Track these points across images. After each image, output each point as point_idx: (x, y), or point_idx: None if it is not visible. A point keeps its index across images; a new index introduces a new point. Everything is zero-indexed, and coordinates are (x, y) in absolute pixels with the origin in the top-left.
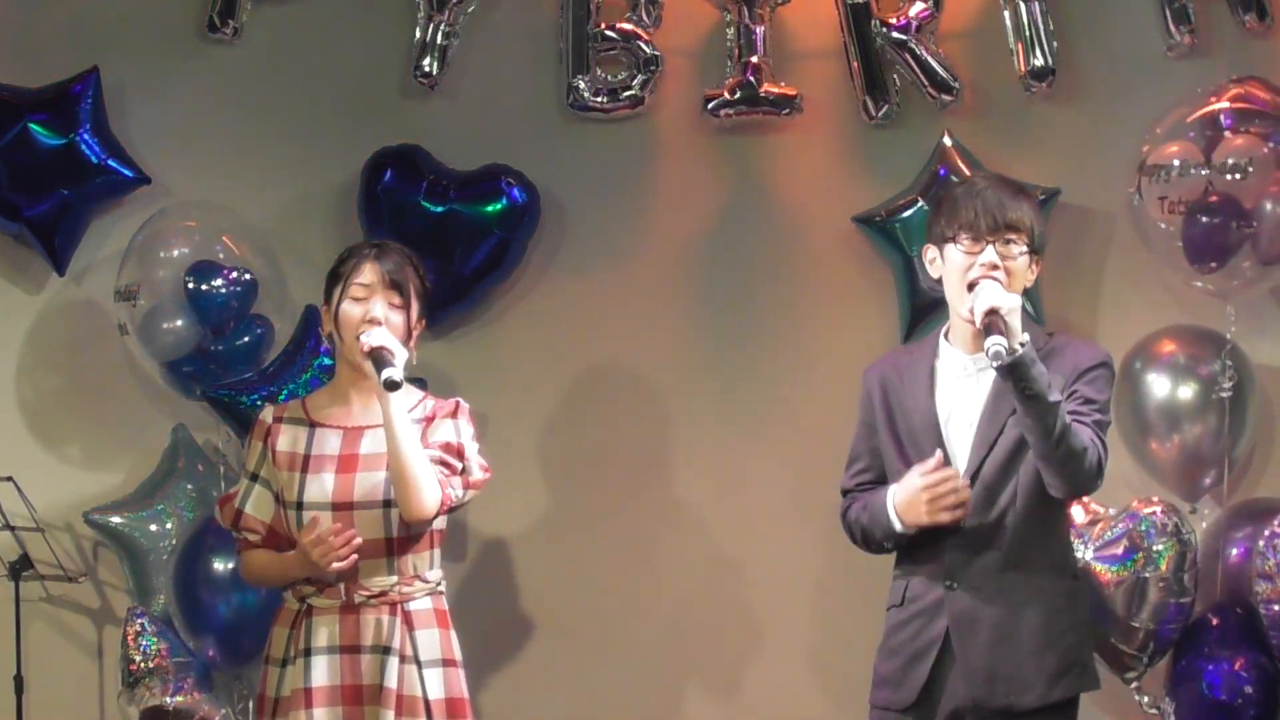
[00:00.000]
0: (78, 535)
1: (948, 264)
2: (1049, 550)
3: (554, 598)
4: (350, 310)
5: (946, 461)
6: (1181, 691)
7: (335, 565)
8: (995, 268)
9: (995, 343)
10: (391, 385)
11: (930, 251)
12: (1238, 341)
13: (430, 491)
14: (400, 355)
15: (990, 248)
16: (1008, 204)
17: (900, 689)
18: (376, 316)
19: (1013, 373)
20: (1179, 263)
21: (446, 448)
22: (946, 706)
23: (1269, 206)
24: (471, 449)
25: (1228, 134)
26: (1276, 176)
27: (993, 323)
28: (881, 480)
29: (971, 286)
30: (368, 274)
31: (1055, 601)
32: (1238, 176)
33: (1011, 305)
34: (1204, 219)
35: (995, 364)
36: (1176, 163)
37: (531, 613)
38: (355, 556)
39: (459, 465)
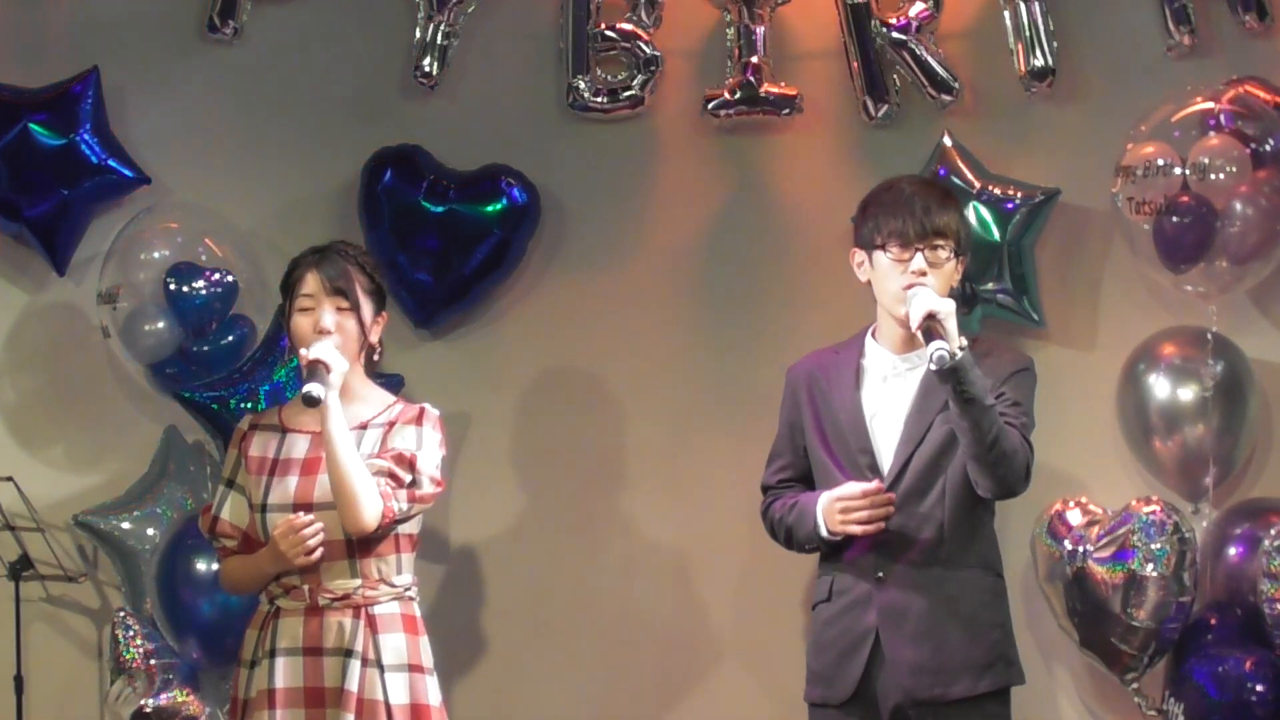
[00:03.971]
0: (78, 535)
1: (877, 270)
2: (976, 547)
3: (554, 600)
4: (300, 322)
5: (890, 490)
6: (1187, 691)
7: (302, 559)
8: (923, 274)
9: (939, 347)
10: (310, 400)
11: (858, 255)
12: (1237, 343)
13: (370, 505)
14: (338, 368)
15: (919, 255)
16: (934, 210)
17: (834, 685)
18: (326, 327)
19: (954, 376)
20: (1157, 264)
21: (398, 459)
22: (887, 703)
23: (1239, 207)
24: (426, 460)
25: (1208, 135)
26: (1251, 178)
27: (931, 327)
28: (801, 478)
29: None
30: (310, 284)
31: (981, 597)
32: (1214, 177)
33: (948, 310)
34: (1174, 219)
35: (938, 368)
36: (1156, 163)
37: (531, 615)
38: (321, 550)
39: (407, 478)
